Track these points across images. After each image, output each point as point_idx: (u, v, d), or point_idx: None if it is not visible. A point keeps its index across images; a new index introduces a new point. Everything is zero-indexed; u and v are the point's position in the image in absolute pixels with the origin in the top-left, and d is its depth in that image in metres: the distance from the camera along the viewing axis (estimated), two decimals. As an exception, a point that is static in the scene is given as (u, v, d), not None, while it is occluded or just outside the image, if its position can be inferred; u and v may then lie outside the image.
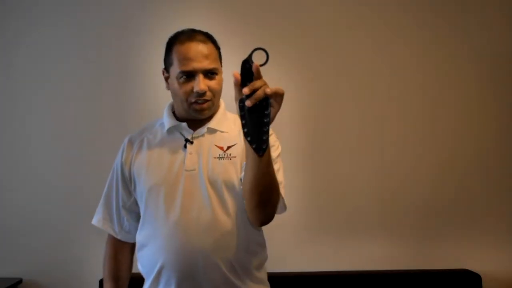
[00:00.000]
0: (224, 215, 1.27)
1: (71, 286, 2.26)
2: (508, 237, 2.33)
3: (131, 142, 1.40)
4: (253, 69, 0.97)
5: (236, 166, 1.29)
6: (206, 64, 1.26)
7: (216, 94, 1.31)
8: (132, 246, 1.47)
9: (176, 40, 1.29)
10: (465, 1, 2.35)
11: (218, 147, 1.31)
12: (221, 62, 1.34)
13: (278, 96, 1.00)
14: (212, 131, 1.34)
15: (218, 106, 1.39)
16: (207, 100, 1.29)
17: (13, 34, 2.32)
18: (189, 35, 1.29)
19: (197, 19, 2.26)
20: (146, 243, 1.31)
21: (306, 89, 2.32)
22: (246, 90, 0.96)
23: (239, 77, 1.00)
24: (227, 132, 1.35)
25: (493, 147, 2.34)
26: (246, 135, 0.98)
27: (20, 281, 2.23)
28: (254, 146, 0.98)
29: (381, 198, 2.31)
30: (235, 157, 1.30)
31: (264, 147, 0.97)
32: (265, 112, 0.96)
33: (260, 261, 1.36)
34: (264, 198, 1.16)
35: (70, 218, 2.25)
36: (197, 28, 1.34)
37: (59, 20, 2.32)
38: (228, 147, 1.31)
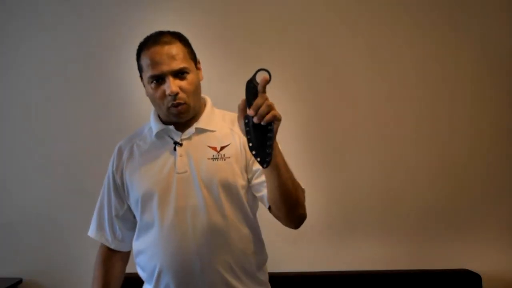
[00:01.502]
0: (219, 216, 1.26)
1: (71, 286, 2.26)
2: (508, 237, 2.32)
3: (120, 150, 1.39)
4: (261, 82, 1.01)
5: (232, 166, 1.28)
6: (174, 65, 1.24)
7: (190, 94, 1.27)
8: (125, 255, 1.46)
9: (144, 46, 1.28)
10: (465, 1, 2.35)
11: (211, 147, 1.30)
12: (195, 60, 1.31)
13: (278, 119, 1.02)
14: (201, 131, 1.32)
15: (203, 104, 1.36)
16: (181, 103, 1.25)
17: (13, 36, 2.32)
18: (155, 39, 1.27)
19: (193, 23, 2.27)
20: (143, 249, 1.31)
21: (305, 90, 2.32)
22: (251, 112, 1.00)
23: (243, 103, 1.04)
24: (216, 131, 1.33)
25: (493, 147, 2.33)
26: (251, 149, 1.03)
27: (20, 281, 2.23)
28: (259, 160, 1.03)
29: (381, 198, 2.31)
30: (229, 157, 1.29)
31: (268, 159, 1.02)
32: (269, 127, 1.01)
33: (260, 261, 1.35)
34: (293, 202, 1.17)
35: (70, 218, 2.25)
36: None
37: (59, 21, 2.32)
38: (222, 148, 1.30)
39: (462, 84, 2.34)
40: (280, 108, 1.04)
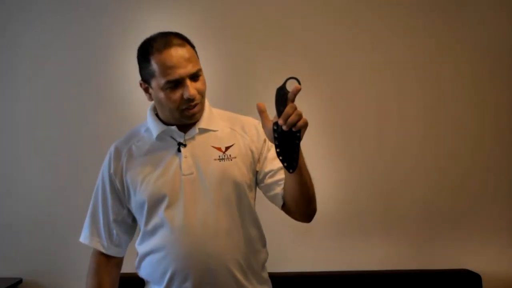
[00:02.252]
0: (229, 216, 1.26)
1: (71, 286, 2.26)
2: (508, 237, 2.32)
3: (118, 152, 1.34)
4: (293, 91, 1.04)
5: (238, 166, 1.28)
6: (191, 68, 1.21)
7: (203, 94, 1.28)
8: (120, 261, 1.43)
9: (152, 49, 1.22)
10: (465, 1, 2.35)
11: (215, 148, 1.29)
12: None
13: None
14: (203, 131, 1.31)
15: None
16: (197, 104, 1.25)
17: (13, 35, 2.32)
18: (165, 41, 1.22)
19: (193, 22, 2.27)
20: (150, 252, 1.29)
21: (304, 90, 2.31)
22: (281, 121, 1.03)
23: (263, 107, 1.09)
24: (218, 130, 1.33)
25: (493, 147, 2.33)
26: (278, 154, 1.08)
27: (20, 281, 2.23)
28: (285, 165, 1.08)
29: (381, 198, 2.31)
30: (235, 157, 1.29)
31: (294, 164, 1.08)
32: (297, 134, 1.05)
33: (263, 260, 1.37)
34: (310, 198, 1.25)
35: (70, 218, 2.25)
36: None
37: (59, 21, 2.32)
38: (227, 148, 1.30)
39: (462, 84, 2.34)
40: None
